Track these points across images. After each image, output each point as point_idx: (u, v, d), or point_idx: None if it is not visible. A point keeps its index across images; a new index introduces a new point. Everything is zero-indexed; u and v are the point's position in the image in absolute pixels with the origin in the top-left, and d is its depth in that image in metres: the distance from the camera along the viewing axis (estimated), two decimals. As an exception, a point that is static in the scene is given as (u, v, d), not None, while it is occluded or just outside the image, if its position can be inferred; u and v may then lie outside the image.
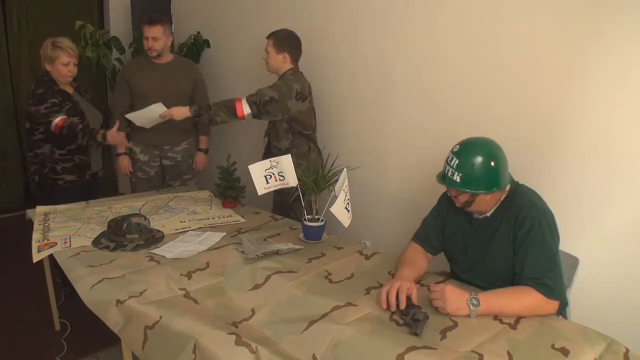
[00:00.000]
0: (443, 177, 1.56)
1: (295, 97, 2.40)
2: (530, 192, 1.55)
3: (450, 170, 1.52)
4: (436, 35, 2.23)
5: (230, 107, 2.35)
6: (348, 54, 2.65)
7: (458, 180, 1.50)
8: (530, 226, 1.45)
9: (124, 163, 2.97)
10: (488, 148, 1.51)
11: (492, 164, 1.49)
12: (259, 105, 2.35)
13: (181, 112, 2.43)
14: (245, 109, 2.34)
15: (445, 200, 1.74)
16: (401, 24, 2.36)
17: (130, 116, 2.63)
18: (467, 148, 1.52)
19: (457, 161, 1.50)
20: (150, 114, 2.57)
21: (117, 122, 2.58)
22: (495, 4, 1.99)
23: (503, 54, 2.00)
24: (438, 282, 1.64)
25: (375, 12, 2.47)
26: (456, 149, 1.53)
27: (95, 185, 2.77)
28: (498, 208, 1.56)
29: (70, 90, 2.59)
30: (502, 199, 1.56)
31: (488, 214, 1.58)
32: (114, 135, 2.50)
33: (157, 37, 2.74)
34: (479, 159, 1.48)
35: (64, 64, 2.46)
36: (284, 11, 2.98)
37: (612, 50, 1.69)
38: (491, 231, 1.56)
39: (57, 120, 2.42)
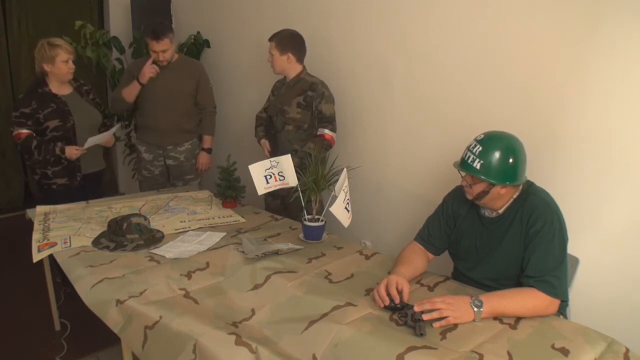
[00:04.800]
0: (462, 163, 1.55)
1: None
2: (543, 192, 1.56)
3: (472, 156, 1.51)
4: (435, 35, 2.23)
5: (326, 145, 2.47)
6: (347, 53, 2.65)
7: (478, 167, 1.49)
8: (543, 225, 1.46)
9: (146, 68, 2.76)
10: (512, 142, 1.52)
11: (514, 157, 1.49)
12: (333, 123, 2.51)
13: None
14: (333, 135, 2.50)
15: (450, 200, 1.74)
16: (400, 23, 2.36)
17: (90, 141, 2.51)
18: (492, 138, 1.52)
19: (480, 148, 1.50)
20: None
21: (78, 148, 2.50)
22: (494, 4, 1.99)
23: (502, 54, 2.00)
24: (437, 283, 1.64)
25: (374, 10, 2.47)
26: (480, 137, 1.53)
27: (96, 184, 2.75)
28: (510, 206, 1.56)
29: (67, 90, 2.56)
30: (515, 197, 1.56)
31: (500, 211, 1.58)
32: (73, 151, 2.47)
33: (165, 49, 2.73)
34: (503, 150, 1.48)
35: (63, 60, 2.45)
36: (283, 11, 2.98)
37: (611, 48, 1.69)
38: (503, 229, 1.56)
39: (15, 133, 2.44)
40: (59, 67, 2.46)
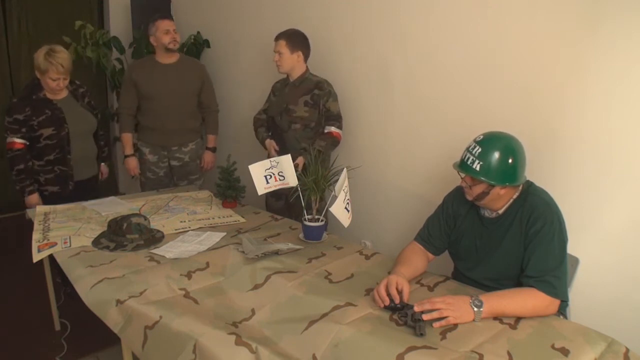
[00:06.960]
0: (461, 165, 1.55)
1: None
2: (543, 192, 1.56)
3: (471, 158, 1.51)
4: (435, 35, 2.23)
5: (334, 142, 2.54)
6: (347, 53, 2.66)
7: (478, 168, 1.49)
8: (542, 225, 1.46)
9: (133, 165, 2.94)
10: (511, 143, 1.52)
11: (514, 158, 1.49)
12: (340, 120, 2.56)
13: (301, 162, 2.44)
14: (340, 132, 2.56)
15: (450, 201, 1.74)
16: (400, 23, 2.37)
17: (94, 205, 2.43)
18: (491, 138, 1.52)
19: (479, 149, 1.50)
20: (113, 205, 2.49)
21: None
22: (494, 4, 1.99)
23: (502, 54, 2.00)
24: (437, 283, 1.64)
25: (374, 10, 2.47)
26: (480, 138, 1.53)
27: (90, 191, 2.63)
28: (510, 206, 1.56)
29: (63, 94, 2.46)
30: (514, 197, 1.56)
31: (500, 212, 1.58)
32: (32, 202, 2.41)
33: (175, 29, 2.79)
34: (502, 151, 1.48)
35: (52, 79, 2.33)
36: (283, 11, 2.98)
37: (611, 48, 1.69)
38: (503, 229, 1.56)
39: (9, 141, 2.36)
40: (46, 82, 2.36)
